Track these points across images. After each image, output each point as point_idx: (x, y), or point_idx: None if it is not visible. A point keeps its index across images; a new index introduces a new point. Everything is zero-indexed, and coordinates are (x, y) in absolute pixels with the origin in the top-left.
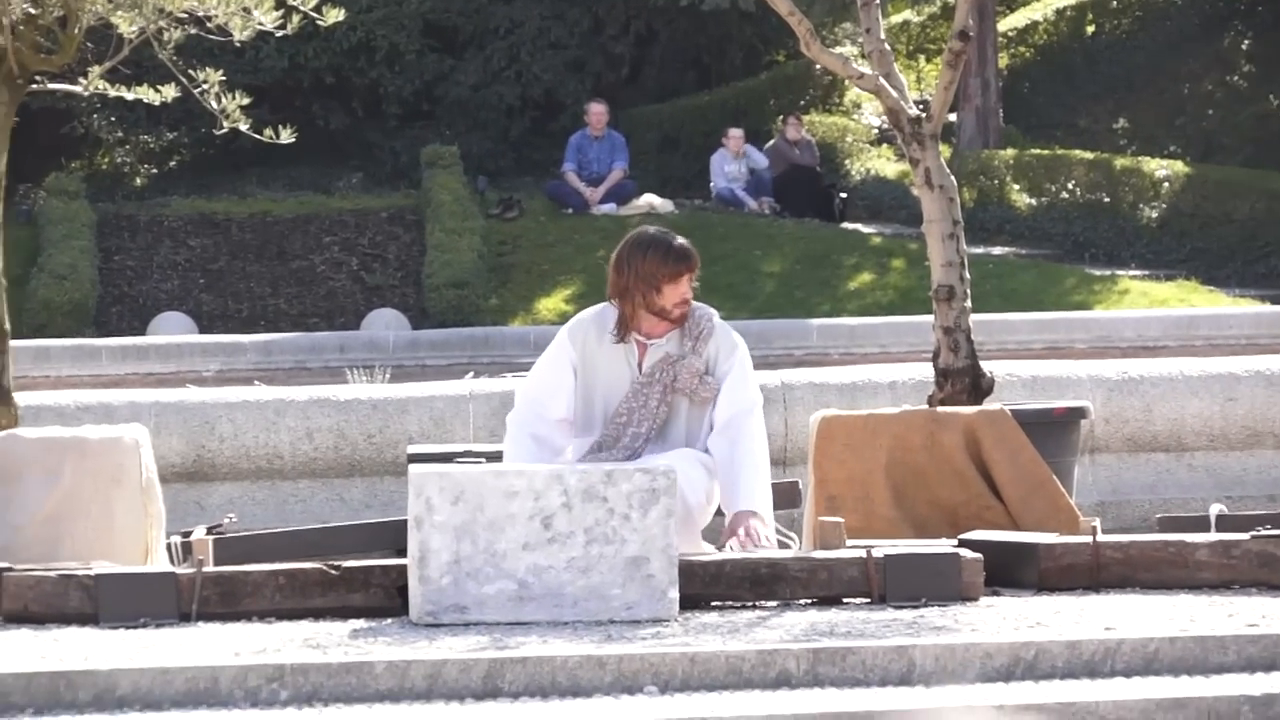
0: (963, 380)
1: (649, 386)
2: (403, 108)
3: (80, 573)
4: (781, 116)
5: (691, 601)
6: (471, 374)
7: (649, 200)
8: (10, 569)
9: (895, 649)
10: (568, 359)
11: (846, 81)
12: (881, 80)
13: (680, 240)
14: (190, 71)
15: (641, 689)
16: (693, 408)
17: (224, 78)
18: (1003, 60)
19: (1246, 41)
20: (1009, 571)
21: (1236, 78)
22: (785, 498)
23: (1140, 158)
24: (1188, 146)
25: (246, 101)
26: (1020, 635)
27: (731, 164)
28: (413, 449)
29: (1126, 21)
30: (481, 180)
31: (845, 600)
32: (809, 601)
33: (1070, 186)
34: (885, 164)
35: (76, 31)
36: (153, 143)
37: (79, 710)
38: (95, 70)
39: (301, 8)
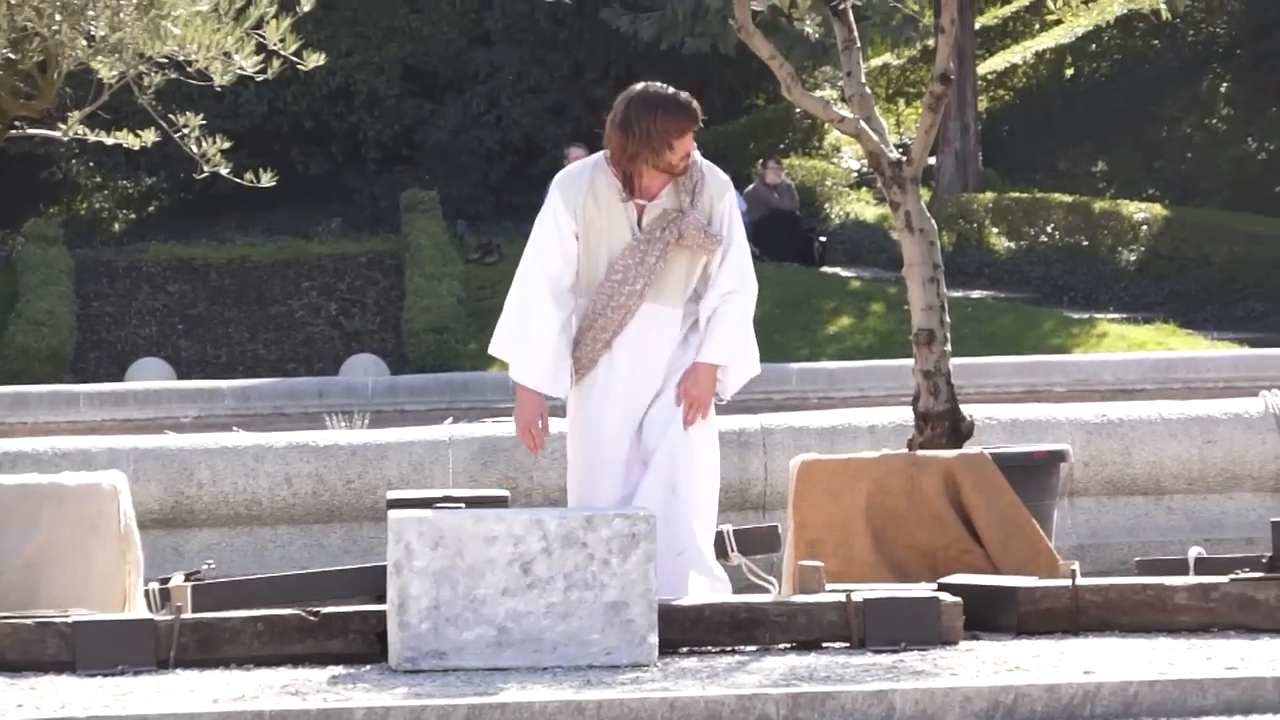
0: (942, 424)
1: (648, 244)
2: (382, 152)
3: (58, 620)
4: (761, 160)
5: (671, 646)
6: (451, 419)
7: None
8: None
9: (875, 693)
10: (569, 226)
11: (827, 125)
12: (862, 124)
13: (683, 94)
14: (170, 116)
15: None
16: (693, 258)
17: (204, 122)
18: (982, 103)
19: (1225, 85)
20: (988, 615)
21: (1215, 121)
22: (765, 542)
23: (1119, 201)
24: (1166, 189)
25: (226, 146)
26: (1000, 679)
27: None
28: (392, 494)
29: (1105, 65)
30: (461, 225)
31: (825, 644)
32: (788, 646)
33: (1049, 230)
34: (865, 207)
35: (56, 77)
36: (131, 188)
37: None
38: (75, 115)
39: (282, 52)
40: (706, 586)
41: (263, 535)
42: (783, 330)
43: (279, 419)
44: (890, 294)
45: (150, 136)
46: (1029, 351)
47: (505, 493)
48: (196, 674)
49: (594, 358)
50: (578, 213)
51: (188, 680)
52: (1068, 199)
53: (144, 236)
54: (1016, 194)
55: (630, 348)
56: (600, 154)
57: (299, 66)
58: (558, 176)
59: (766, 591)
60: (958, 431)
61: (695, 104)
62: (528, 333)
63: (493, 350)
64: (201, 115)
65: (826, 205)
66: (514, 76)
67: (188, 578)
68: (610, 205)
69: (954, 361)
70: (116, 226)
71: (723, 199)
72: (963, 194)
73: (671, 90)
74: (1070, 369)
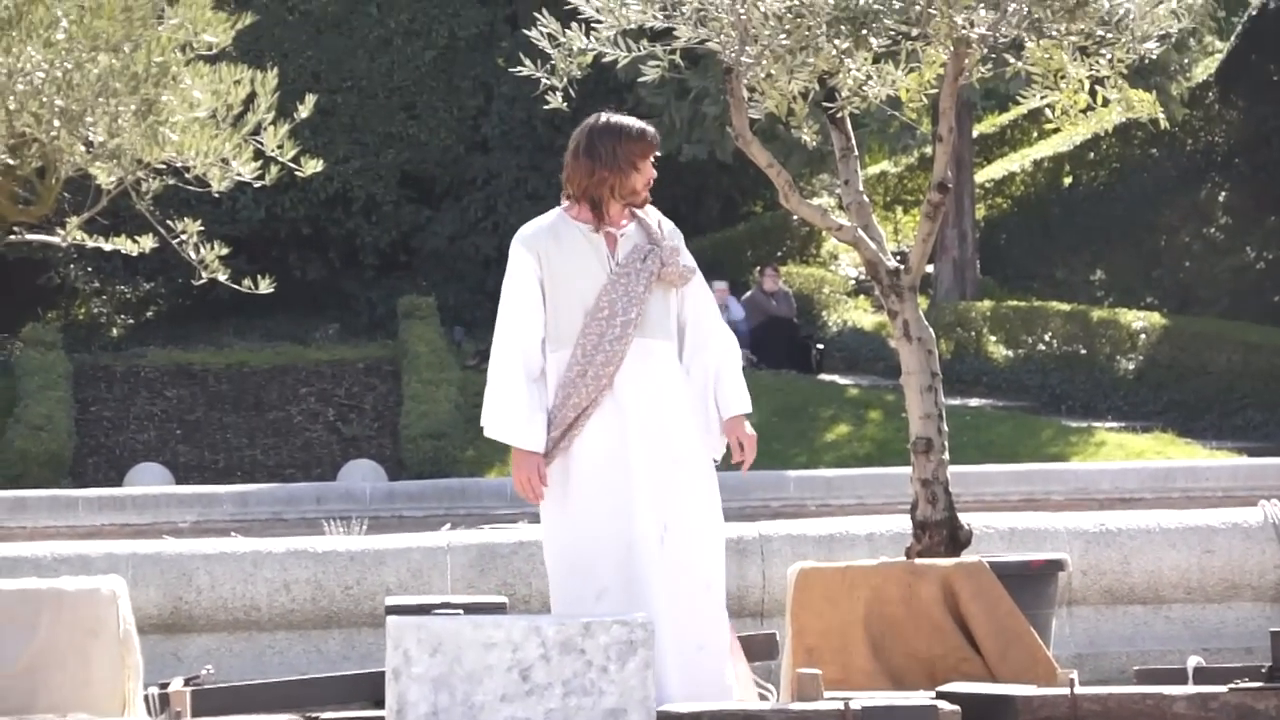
0: (940, 532)
1: (632, 275)
2: (380, 258)
3: None
4: (759, 267)
5: None
6: (449, 525)
7: None
8: None
9: None
10: (532, 273)
11: (824, 232)
12: (859, 232)
13: (641, 123)
14: (168, 222)
15: None
16: (666, 294)
17: (202, 228)
18: (980, 211)
19: (1223, 194)
20: None
21: (1213, 230)
22: (763, 649)
23: (1117, 309)
24: (1165, 298)
25: (224, 252)
26: None
27: None
28: (390, 600)
29: (1104, 173)
30: (458, 331)
31: None
32: None
33: (1047, 338)
34: (862, 315)
35: (55, 182)
36: (129, 293)
37: None
38: (73, 221)
39: (279, 159)
40: (730, 686)
41: (261, 641)
42: (781, 438)
43: (277, 524)
44: (888, 401)
45: (148, 242)
46: (1027, 460)
47: (503, 599)
48: None
49: (595, 399)
50: (541, 260)
51: None
52: (1066, 307)
53: (142, 341)
54: (1014, 302)
55: (634, 385)
56: (556, 209)
57: (297, 172)
58: (517, 235)
59: (765, 699)
60: (955, 540)
61: (655, 132)
62: (515, 398)
63: (488, 431)
64: (199, 221)
65: (824, 313)
66: (511, 183)
67: (187, 683)
68: (576, 249)
69: (952, 470)
70: (115, 331)
71: (676, 235)
72: (961, 302)
73: (636, 121)
74: (1068, 478)
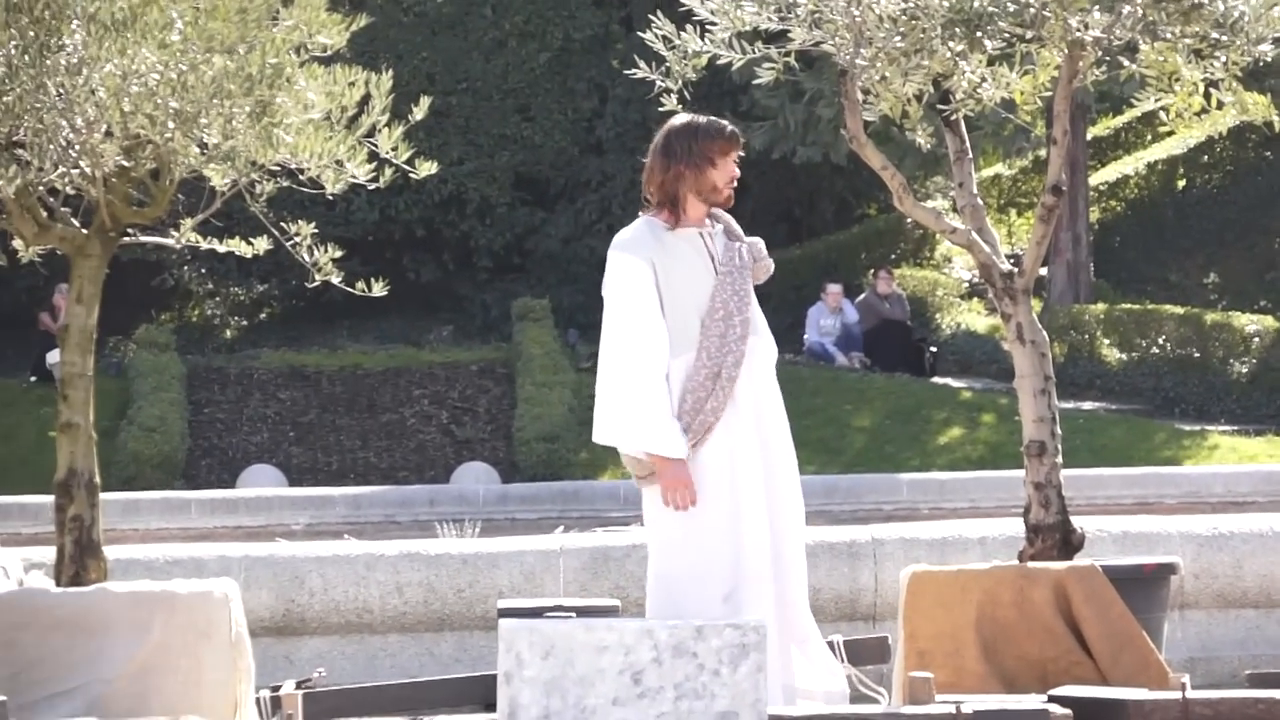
0: (1053, 536)
1: (737, 272)
2: (494, 260)
3: None
4: (873, 270)
5: None
6: (562, 528)
7: None
8: None
9: None
10: (649, 279)
11: (938, 235)
12: (974, 235)
13: (721, 121)
14: (282, 224)
15: None
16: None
17: (315, 230)
18: (1094, 214)
19: None
20: None
21: None
22: (875, 653)
23: (1230, 313)
24: (1278, 302)
25: (338, 254)
26: None
27: (828, 318)
28: (503, 604)
29: (1218, 176)
30: (572, 333)
31: None
32: None
33: (1161, 341)
34: (976, 318)
35: (169, 184)
36: (243, 295)
37: None
38: (187, 223)
39: (394, 161)
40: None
41: (374, 643)
42: (894, 440)
43: (390, 527)
44: (1001, 405)
45: (262, 244)
46: (1140, 463)
47: (616, 602)
48: None
49: (719, 410)
50: (656, 266)
51: None
52: (1179, 311)
53: (255, 343)
54: (1128, 305)
55: (751, 389)
56: (641, 218)
57: (411, 174)
58: (614, 244)
59: (876, 702)
60: (1068, 544)
61: (737, 130)
62: (655, 406)
63: (620, 442)
64: (313, 223)
65: (938, 315)
66: (626, 185)
67: (299, 685)
68: (680, 252)
69: (1065, 473)
70: (228, 333)
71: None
72: (1074, 305)
73: (715, 119)
74: (1181, 481)
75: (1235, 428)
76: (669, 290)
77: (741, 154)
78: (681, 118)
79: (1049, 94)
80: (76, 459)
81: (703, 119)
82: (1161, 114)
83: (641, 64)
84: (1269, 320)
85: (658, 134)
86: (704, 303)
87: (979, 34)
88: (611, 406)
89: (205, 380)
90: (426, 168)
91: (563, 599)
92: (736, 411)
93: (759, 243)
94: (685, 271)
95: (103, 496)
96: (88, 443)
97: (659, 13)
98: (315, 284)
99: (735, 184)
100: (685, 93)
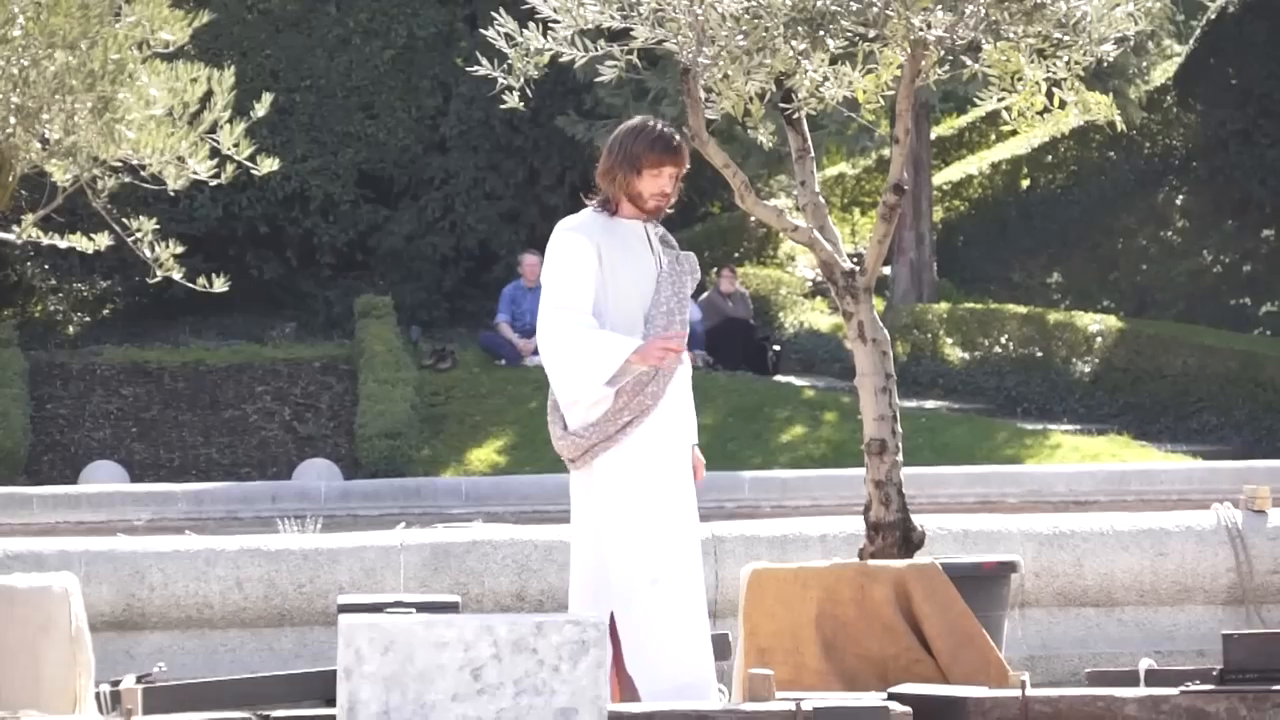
0: (894, 534)
1: (676, 277)
2: (337, 257)
3: None
4: (715, 268)
5: None
6: (403, 525)
7: None
8: None
9: None
10: (590, 257)
11: (781, 234)
12: (815, 233)
13: (674, 133)
14: (124, 220)
15: None
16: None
17: (157, 226)
18: (937, 214)
19: (1180, 197)
20: None
21: (1170, 233)
22: (716, 650)
23: (1074, 312)
24: (1121, 301)
25: (180, 250)
26: None
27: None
28: (343, 599)
29: (1061, 176)
30: (415, 330)
31: None
32: None
33: (1003, 341)
34: (819, 317)
35: (10, 179)
36: (86, 291)
37: None
38: (29, 218)
39: (236, 157)
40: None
41: (214, 638)
42: (736, 438)
43: (232, 523)
44: (843, 403)
45: (104, 240)
46: (982, 462)
47: (456, 598)
48: None
49: (657, 395)
50: (601, 251)
51: None
52: (1022, 310)
53: (99, 339)
54: (971, 304)
55: (672, 393)
56: (587, 209)
57: (253, 171)
58: (560, 225)
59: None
60: (909, 541)
61: (679, 146)
62: (594, 340)
63: (586, 390)
64: (155, 219)
65: (780, 314)
66: (469, 183)
67: (139, 680)
68: (627, 242)
69: (907, 471)
70: (71, 329)
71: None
72: (917, 304)
73: (667, 128)
74: (1023, 480)
75: (1078, 427)
76: (613, 274)
77: (678, 170)
78: (638, 118)
79: (892, 93)
80: None
81: (655, 125)
82: (1005, 113)
83: (484, 61)
84: (1111, 320)
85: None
86: (648, 290)
87: (821, 33)
88: (566, 363)
89: (48, 376)
90: (269, 164)
91: (403, 595)
92: (670, 403)
93: (692, 256)
94: (630, 259)
95: None
96: None
97: (501, 10)
98: (157, 280)
99: (666, 201)
100: (528, 90)
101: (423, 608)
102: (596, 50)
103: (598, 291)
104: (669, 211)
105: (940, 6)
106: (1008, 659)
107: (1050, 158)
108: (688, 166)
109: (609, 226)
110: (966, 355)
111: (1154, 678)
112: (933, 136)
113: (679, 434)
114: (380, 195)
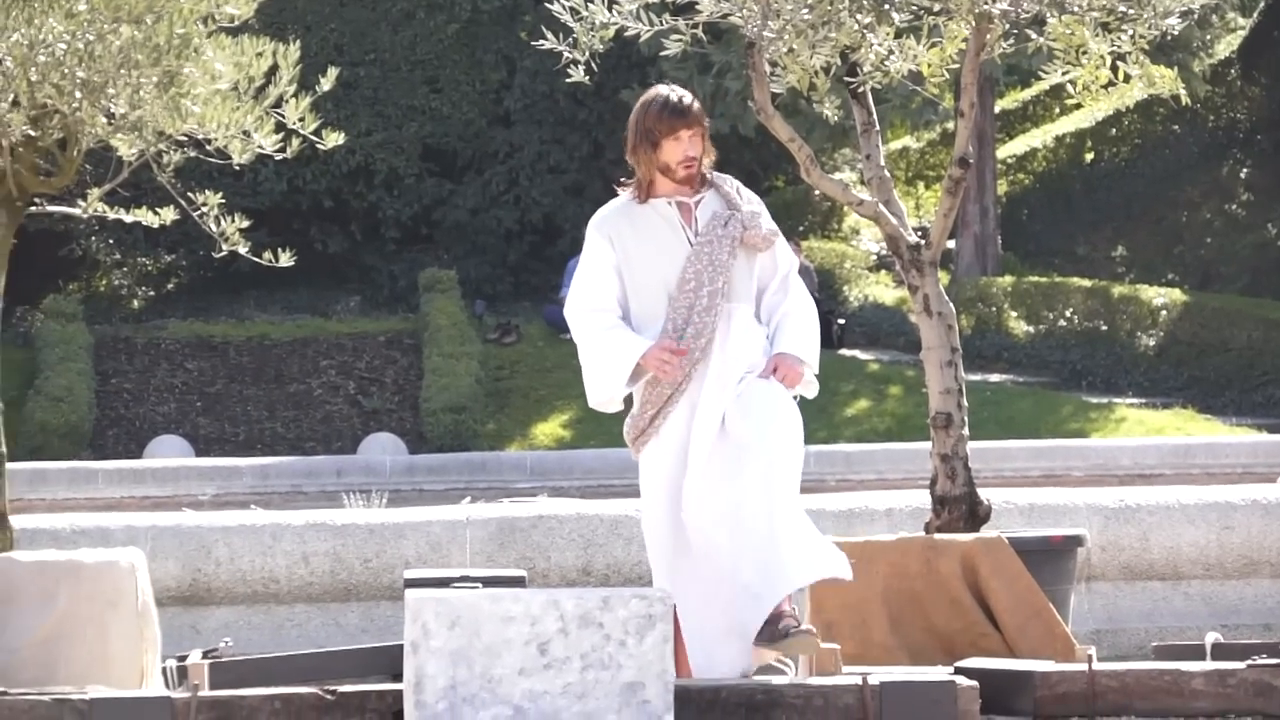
0: (959, 508)
1: (715, 242)
2: (401, 231)
3: (75, 697)
4: None
5: None
6: (468, 499)
7: None
8: (5, 693)
9: None
10: (604, 256)
11: (845, 207)
12: (881, 207)
13: (681, 95)
14: (189, 194)
15: None
16: (749, 259)
17: (223, 200)
18: (1002, 187)
19: (1245, 170)
20: (1004, 699)
21: (1235, 206)
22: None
23: (1138, 285)
24: (1185, 275)
25: (245, 224)
26: None
27: None
28: (409, 574)
29: (1126, 150)
30: (479, 304)
31: None
32: None
33: (1068, 314)
34: (883, 290)
35: (76, 154)
36: (150, 265)
37: None
38: (94, 193)
39: (301, 131)
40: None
41: (280, 613)
42: (801, 412)
43: (297, 497)
44: (908, 377)
45: (169, 214)
46: (1047, 436)
47: (522, 573)
48: None
49: (667, 398)
50: (614, 242)
51: None
52: (1087, 284)
53: (163, 314)
54: (1035, 278)
55: (719, 355)
56: (620, 193)
57: (318, 145)
58: (592, 219)
59: (783, 673)
60: (975, 515)
61: (688, 107)
62: (608, 340)
63: (610, 392)
64: (220, 193)
65: (845, 288)
66: (533, 156)
67: (205, 655)
68: (650, 226)
69: (972, 445)
70: (136, 303)
71: (764, 212)
72: (982, 278)
73: (675, 91)
74: (1088, 454)
75: (1142, 400)
76: (630, 266)
77: (696, 130)
78: (649, 92)
79: (956, 66)
80: None
81: (662, 93)
82: (1069, 87)
83: (549, 35)
84: (1176, 293)
85: None
86: (673, 275)
87: (886, 6)
88: (586, 367)
89: (112, 350)
90: (334, 138)
91: (469, 569)
92: (703, 383)
93: (758, 212)
94: (652, 246)
95: (9, 467)
96: None
97: None
98: (222, 254)
99: (697, 164)
100: (593, 64)
101: (489, 582)
102: (661, 24)
103: (621, 278)
104: (706, 173)
105: None
106: (1074, 633)
107: (1114, 131)
108: (708, 122)
109: (631, 212)
110: (1031, 329)
111: (1220, 651)
112: (997, 110)
113: (712, 408)
114: (444, 169)
